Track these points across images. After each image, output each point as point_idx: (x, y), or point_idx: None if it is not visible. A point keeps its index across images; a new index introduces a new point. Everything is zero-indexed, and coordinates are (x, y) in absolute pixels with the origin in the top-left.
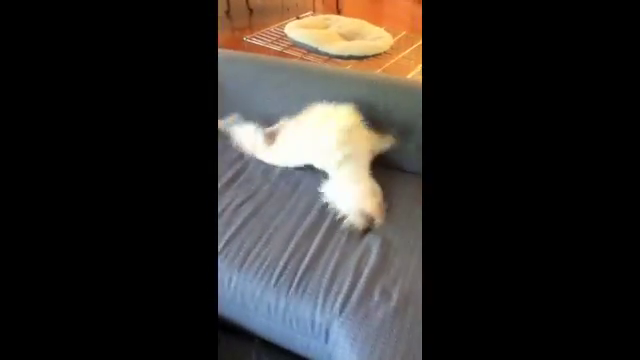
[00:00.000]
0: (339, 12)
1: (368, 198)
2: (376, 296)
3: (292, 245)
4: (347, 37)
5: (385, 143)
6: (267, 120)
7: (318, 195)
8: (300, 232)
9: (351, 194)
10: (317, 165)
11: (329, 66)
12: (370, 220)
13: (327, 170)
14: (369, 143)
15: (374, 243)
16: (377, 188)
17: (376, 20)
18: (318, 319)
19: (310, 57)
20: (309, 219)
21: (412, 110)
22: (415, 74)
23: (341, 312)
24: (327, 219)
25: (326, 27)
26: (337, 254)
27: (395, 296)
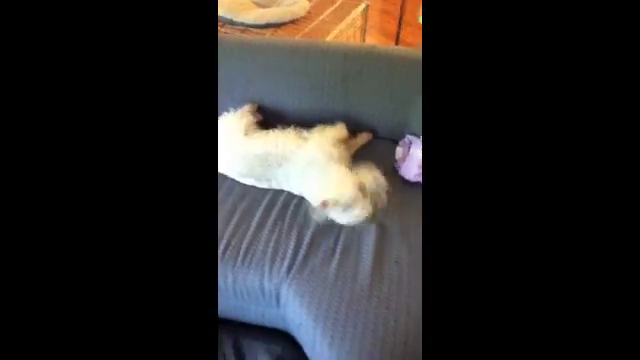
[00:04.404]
0: None
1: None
2: (320, 254)
3: (233, 223)
4: (262, 4)
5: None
6: None
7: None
8: (240, 209)
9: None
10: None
11: (246, 36)
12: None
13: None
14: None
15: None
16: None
17: None
18: (267, 285)
19: (225, 29)
20: (248, 198)
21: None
22: (334, 36)
23: (288, 274)
24: (266, 196)
25: None
26: (279, 225)
27: (338, 251)
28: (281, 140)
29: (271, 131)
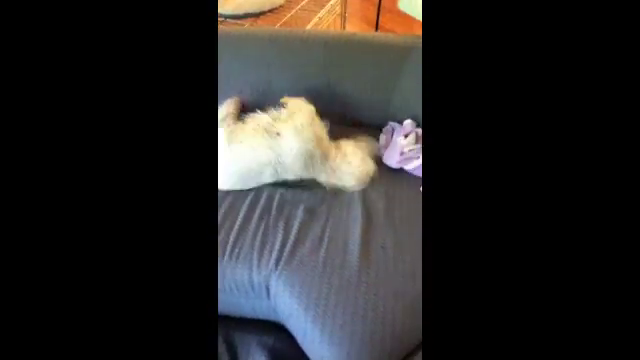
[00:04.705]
0: None
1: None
2: (308, 244)
3: (218, 218)
4: None
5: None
6: None
7: None
8: (224, 205)
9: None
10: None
11: (225, 27)
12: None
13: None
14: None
15: (301, 200)
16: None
17: None
18: (256, 278)
19: None
20: (231, 195)
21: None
22: (314, 24)
23: (276, 266)
24: (250, 191)
25: None
26: (265, 218)
27: (326, 240)
28: (255, 154)
29: (245, 135)
